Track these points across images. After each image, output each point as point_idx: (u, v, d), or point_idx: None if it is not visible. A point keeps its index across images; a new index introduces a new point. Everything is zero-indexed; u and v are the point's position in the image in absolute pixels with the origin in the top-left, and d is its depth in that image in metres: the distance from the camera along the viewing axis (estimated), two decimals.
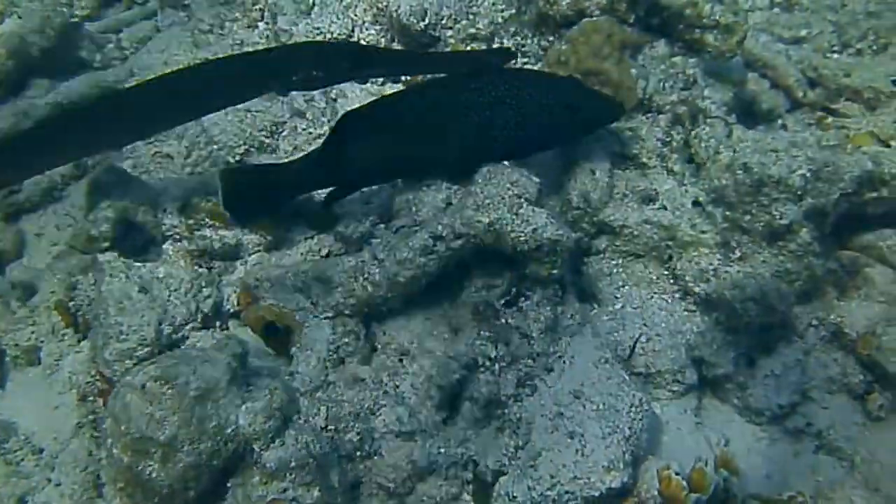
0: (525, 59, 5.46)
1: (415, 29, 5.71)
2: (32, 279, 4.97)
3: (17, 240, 5.33)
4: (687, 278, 4.69)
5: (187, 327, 4.51)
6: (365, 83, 5.80)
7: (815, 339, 4.87)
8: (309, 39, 5.99)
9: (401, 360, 4.30)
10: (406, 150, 4.70)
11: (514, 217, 4.13)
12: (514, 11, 5.56)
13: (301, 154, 5.13)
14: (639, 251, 4.86)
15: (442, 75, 4.86)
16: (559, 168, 4.95)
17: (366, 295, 4.33)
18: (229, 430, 3.67)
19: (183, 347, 4.41)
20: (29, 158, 4.67)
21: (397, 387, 4.22)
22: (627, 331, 4.68)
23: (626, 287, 4.85)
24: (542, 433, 4.07)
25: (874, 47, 6.37)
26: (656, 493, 3.96)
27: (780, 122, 5.95)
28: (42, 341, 4.77)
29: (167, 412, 3.58)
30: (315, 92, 5.54)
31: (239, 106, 5.23)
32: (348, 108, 5.29)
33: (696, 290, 4.66)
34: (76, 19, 6.80)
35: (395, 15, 5.77)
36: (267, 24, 6.32)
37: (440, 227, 4.19)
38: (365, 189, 4.94)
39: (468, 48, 5.64)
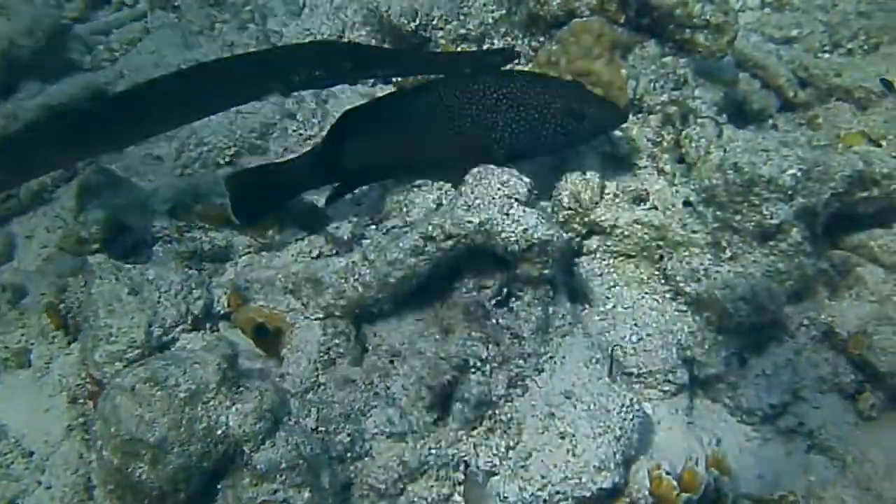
0: (515, 60, 5.44)
1: (406, 30, 5.72)
2: (22, 281, 4.94)
3: (7, 242, 5.31)
4: (678, 278, 4.68)
5: (177, 329, 4.48)
6: (356, 84, 5.79)
7: (806, 339, 4.86)
8: (311, 40, 5.99)
9: (392, 361, 4.29)
10: (406, 149, 4.72)
11: (504, 217, 4.12)
12: (504, 12, 5.57)
13: (301, 152, 5.11)
14: (630, 251, 4.86)
15: (443, 76, 4.85)
16: (550, 168, 4.94)
17: (356, 296, 4.33)
18: (219, 432, 3.66)
19: (173, 349, 4.39)
20: (30, 160, 4.64)
21: (388, 388, 4.21)
22: (619, 331, 4.67)
23: (618, 287, 4.85)
24: (533, 433, 4.06)
25: (865, 47, 6.40)
26: (647, 492, 3.97)
27: (770, 121, 5.96)
28: (32, 343, 4.74)
29: (157, 414, 3.57)
30: (305, 93, 5.53)
31: None
32: (339, 109, 5.32)
33: (687, 289, 4.65)
34: (66, 21, 6.79)
35: (385, 16, 5.77)
36: (257, 25, 6.32)
37: (430, 228, 4.18)
38: (365, 187, 4.95)
39: (459, 49, 5.64)
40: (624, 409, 4.08)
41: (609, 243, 4.87)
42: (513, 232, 4.10)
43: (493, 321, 4.26)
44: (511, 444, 4.08)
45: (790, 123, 5.99)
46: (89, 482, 4.20)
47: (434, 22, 5.70)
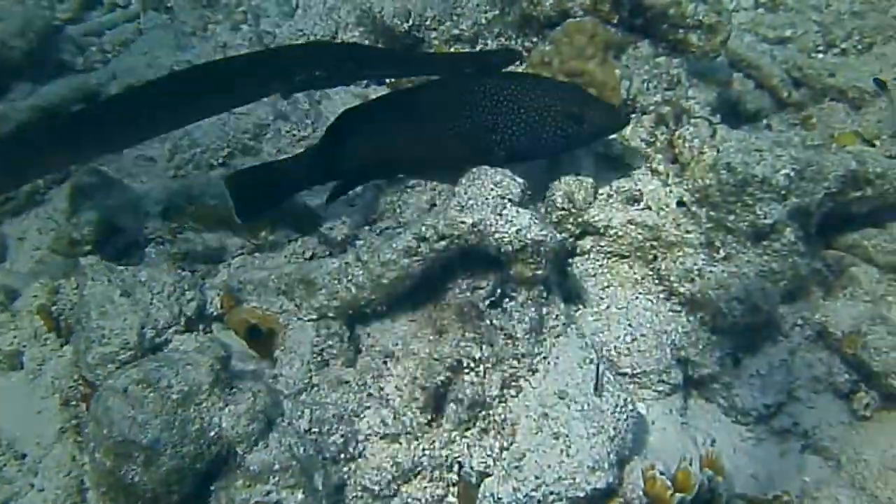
0: (517, 62, 5.44)
1: (399, 30, 5.72)
2: (15, 283, 4.93)
3: (0, 244, 5.30)
4: (672, 278, 4.68)
5: (170, 331, 4.47)
6: (349, 85, 5.79)
7: (800, 339, 4.87)
8: (314, 40, 5.99)
9: (385, 362, 4.29)
10: (406, 149, 4.72)
11: (497, 218, 4.11)
12: (497, 12, 5.56)
13: (301, 151, 5.11)
14: (623, 251, 4.85)
15: (443, 76, 4.85)
16: (543, 169, 4.93)
17: (350, 297, 4.33)
18: (212, 434, 3.66)
19: (166, 351, 4.37)
20: (28, 162, 4.63)
21: (382, 389, 4.20)
22: (613, 331, 4.66)
23: (611, 287, 4.84)
24: (526, 434, 4.05)
25: (859, 47, 6.41)
26: (641, 493, 3.96)
27: (764, 122, 5.96)
28: (24, 346, 4.73)
29: (149, 416, 3.57)
30: (298, 94, 5.53)
31: None
32: (333, 110, 5.33)
33: (681, 290, 4.65)
34: (58, 22, 6.78)
35: (379, 16, 5.77)
36: (250, 26, 6.32)
37: (424, 229, 4.18)
38: (359, 188, 4.94)
39: (453, 49, 5.63)
40: (618, 409, 4.08)
41: (603, 244, 4.86)
42: (506, 232, 4.09)
43: (487, 322, 4.25)
44: (505, 444, 4.06)
45: (784, 123, 5.99)
46: (82, 484, 4.20)
47: (427, 23, 5.71)
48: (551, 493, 3.86)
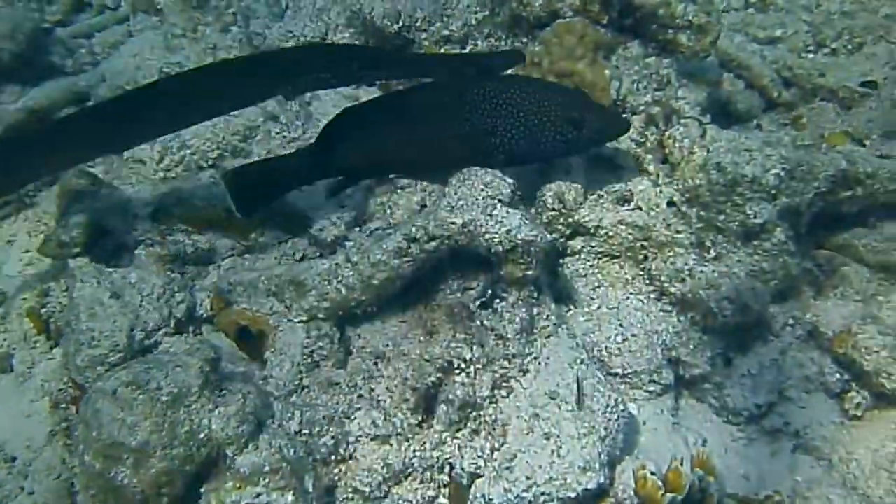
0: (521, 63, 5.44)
1: (389, 31, 5.72)
2: (4, 286, 4.92)
3: None
4: (662, 278, 4.68)
5: (160, 333, 4.46)
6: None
7: (791, 339, 4.87)
8: (317, 42, 6.00)
9: (376, 364, 4.28)
10: (405, 149, 4.72)
11: (487, 218, 4.11)
12: (487, 13, 5.57)
13: (299, 148, 5.13)
14: (614, 252, 4.85)
15: (444, 78, 4.84)
16: (534, 169, 4.93)
17: (340, 298, 4.32)
18: (202, 435, 3.65)
19: (155, 353, 4.36)
20: (27, 163, 4.61)
21: (372, 390, 4.19)
22: (604, 331, 4.66)
23: (602, 288, 4.84)
24: (517, 434, 4.05)
25: (849, 47, 6.42)
26: (632, 493, 3.96)
27: (755, 122, 5.97)
28: (14, 348, 4.74)
29: (139, 417, 3.56)
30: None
31: None
32: (323, 112, 5.33)
33: (672, 290, 4.65)
34: (47, 24, 6.76)
35: (369, 17, 5.77)
36: (240, 27, 6.30)
37: (414, 229, 4.17)
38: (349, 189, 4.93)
39: (442, 50, 5.63)
40: (609, 409, 4.08)
41: (593, 244, 4.86)
42: (496, 233, 4.09)
43: (478, 322, 4.25)
44: (496, 445, 4.06)
45: (774, 123, 6.00)
46: (72, 487, 4.20)
47: (417, 23, 5.71)
48: (542, 493, 3.86)
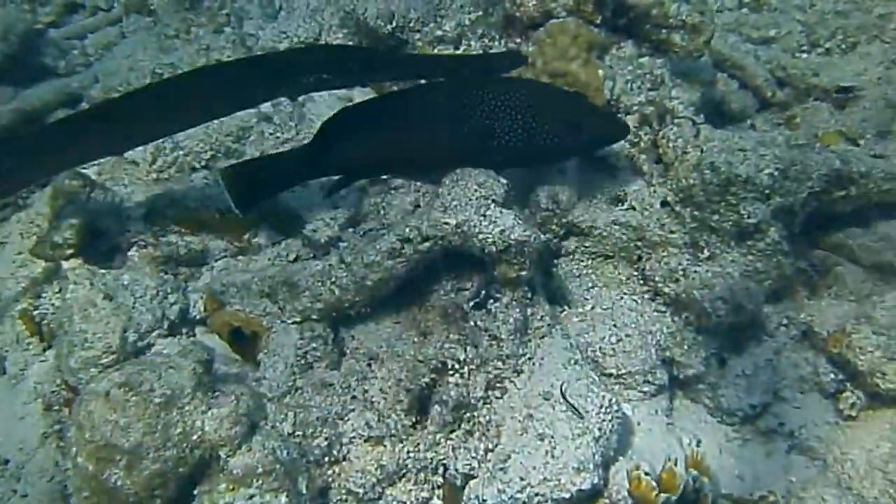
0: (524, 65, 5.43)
1: (382, 32, 5.71)
2: None
3: None
4: (656, 278, 4.68)
5: (153, 334, 4.46)
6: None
7: (785, 339, 4.87)
8: (322, 43, 5.99)
9: (369, 365, 4.28)
10: (403, 149, 4.71)
11: (481, 218, 4.11)
12: (481, 13, 5.57)
13: (297, 145, 5.15)
14: (608, 252, 4.85)
15: (444, 78, 4.84)
16: (528, 169, 4.92)
17: (333, 299, 4.31)
18: (195, 437, 3.63)
19: (148, 355, 4.35)
20: (30, 163, 4.60)
21: (366, 391, 4.18)
22: (598, 332, 4.65)
23: (596, 288, 4.84)
24: (511, 435, 4.04)
25: (843, 46, 6.41)
26: (626, 493, 3.95)
27: (748, 121, 5.96)
28: (7, 350, 4.73)
29: (132, 419, 3.55)
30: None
31: None
32: (316, 113, 5.33)
33: (666, 290, 4.64)
34: (40, 26, 6.76)
35: (362, 18, 5.76)
36: (233, 28, 6.30)
37: (408, 230, 4.17)
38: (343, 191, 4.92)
39: (436, 51, 5.63)
40: (603, 409, 4.07)
41: (587, 244, 4.86)
42: (490, 233, 4.09)
43: (472, 323, 4.25)
44: (490, 446, 4.05)
45: (768, 123, 6.00)
46: (65, 490, 4.16)
47: (411, 24, 5.71)
48: (536, 494, 3.85)
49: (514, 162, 4.63)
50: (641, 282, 4.79)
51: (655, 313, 4.71)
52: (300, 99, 5.69)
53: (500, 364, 4.20)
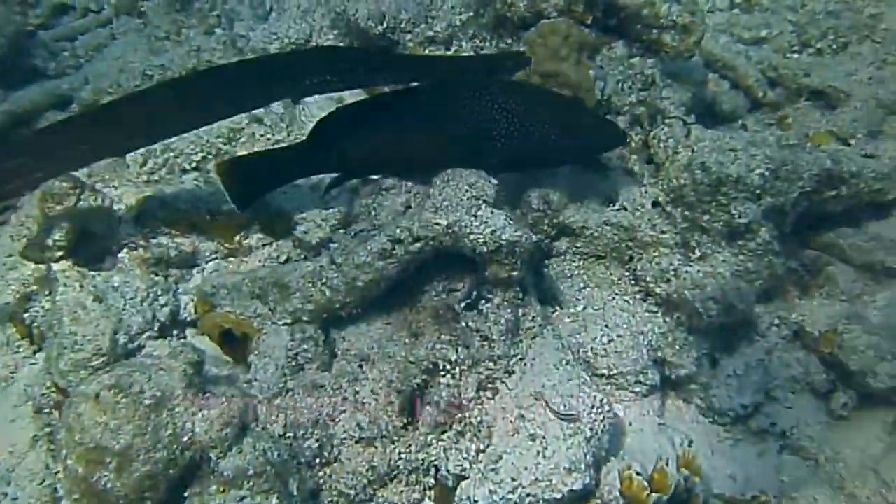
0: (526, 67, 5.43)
1: (373, 33, 5.71)
2: None
3: None
4: (648, 279, 4.68)
5: (143, 336, 4.45)
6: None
7: (777, 339, 4.89)
8: (325, 45, 5.99)
9: (361, 366, 4.25)
10: (401, 148, 4.71)
11: (472, 219, 4.10)
12: (471, 14, 5.56)
13: (294, 142, 5.14)
14: (599, 252, 4.85)
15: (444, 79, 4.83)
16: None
17: (324, 300, 4.30)
18: (185, 439, 3.61)
19: (139, 356, 4.34)
20: (33, 165, 4.58)
21: (357, 392, 4.16)
22: (589, 332, 4.65)
23: (588, 288, 4.84)
24: (503, 436, 4.03)
25: (834, 47, 6.44)
26: (618, 493, 3.95)
27: (739, 122, 5.98)
28: None
29: (121, 421, 3.52)
30: None
31: None
32: (308, 114, 5.32)
33: (657, 290, 4.65)
34: (30, 27, 6.74)
35: (353, 19, 5.76)
36: (224, 30, 6.29)
37: (398, 231, 4.16)
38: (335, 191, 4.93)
39: (426, 52, 5.62)
40: (594, 410, 4.06)
41: (579, 245, 4.87)
42: (481, 233, 4.08)
43: (463, 324, 4.24)
44: (481, 447, 4.04)
45: (759, 123, 6.01)
46: (56, 493, 4.15)
47: (402, 25, 5.70)
48: (528, 495, 3.84)
49: (509, 165, 4.62)
50: (633, 282, 4.79)
51: (647, 313, 4.71)
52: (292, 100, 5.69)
53: (491, 365, 4.19)
